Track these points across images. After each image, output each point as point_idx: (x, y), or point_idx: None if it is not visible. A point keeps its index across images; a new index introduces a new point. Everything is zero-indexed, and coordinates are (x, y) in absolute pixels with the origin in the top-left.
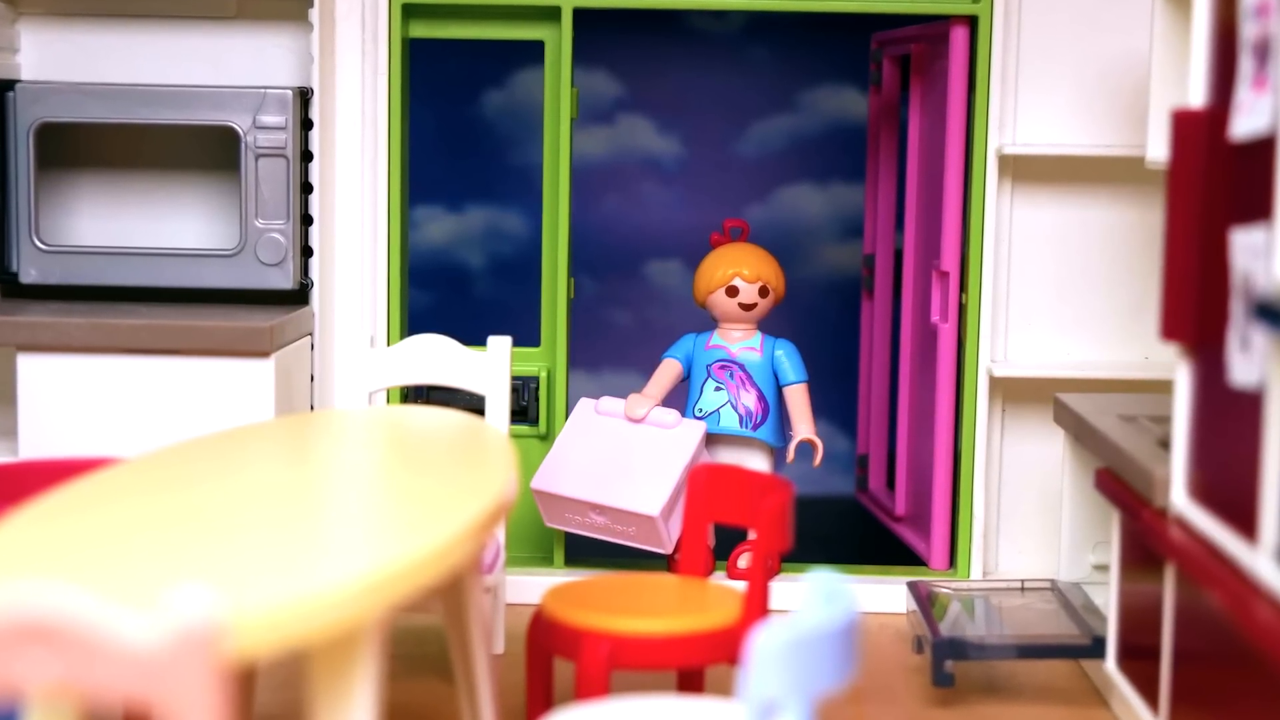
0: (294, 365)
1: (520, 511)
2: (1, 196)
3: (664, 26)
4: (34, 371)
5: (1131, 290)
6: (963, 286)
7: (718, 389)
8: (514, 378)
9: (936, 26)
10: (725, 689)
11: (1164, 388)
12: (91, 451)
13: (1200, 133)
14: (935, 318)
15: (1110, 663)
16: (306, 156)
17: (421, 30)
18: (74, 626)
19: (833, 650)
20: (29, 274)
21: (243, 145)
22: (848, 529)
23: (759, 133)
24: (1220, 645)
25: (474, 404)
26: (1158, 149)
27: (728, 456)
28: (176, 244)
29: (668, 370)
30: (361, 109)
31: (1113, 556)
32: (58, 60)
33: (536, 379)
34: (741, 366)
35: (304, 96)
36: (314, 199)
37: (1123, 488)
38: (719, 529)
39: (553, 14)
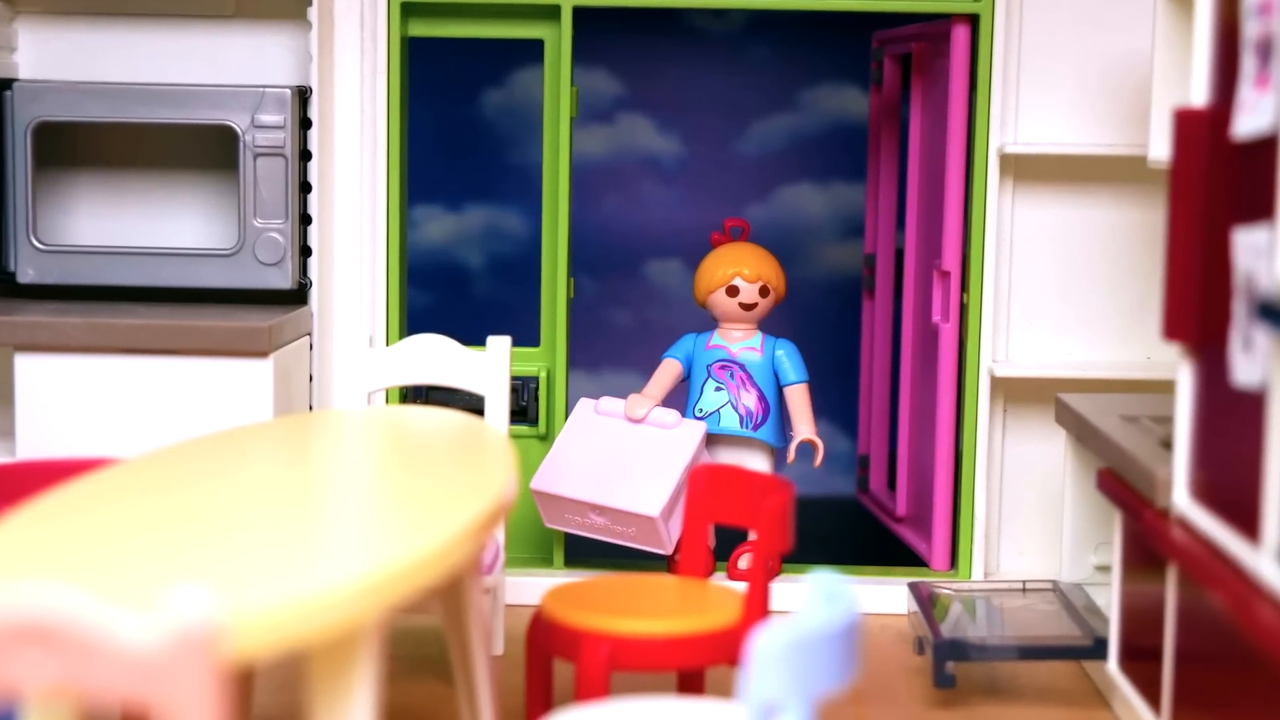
0: (293, 365)
1: (520, 512)
2: None
3: (664, 25)
4: (32, 371)
5: (1133, 290)
6: (964, 286)
7: (718, 389)
8: (513, 378)
9: (938, 25)
10: (725, 690)
11: (1166, 388)
12: (89, 452)
13: (1202, 132)
14: (936, 317)
15: (1112, 664)
16: (305, 156)
17: (421, 29)
18: (72, 627)
19: (833, 651)
20: (26, 273)
21: (241, 144)
22: (848, 530)
23: (759, 132)
24: (1222, 646)
25: (473, 404)
26: (1160, 148)
27: (728, 457)
28: (175, 243)
29: (668, 370)
30: (360, 108)
31: (1114, 557)
32: (55, 59)
33: (536, 379)
34: (742, 366)
35: (303, 95)
36: (313, 198)
37: (1124, 488)
38: (719, 530)
39: (552, 13)
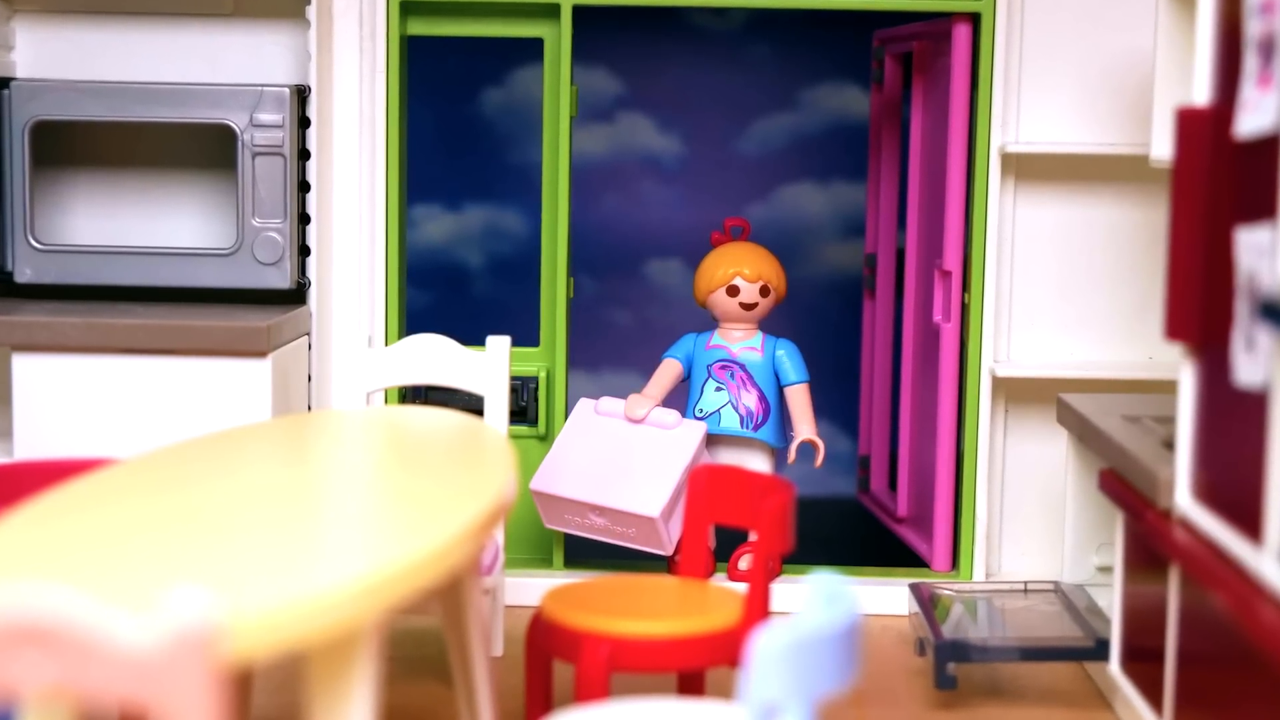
0: (291, 365)
1: (519, 512)
2: None
3: (664, 24)
4: (29, 371)
5: (1135, 290)
6: (965, 286)
7: (718, 389)
8: (513, 378)
9: (939, 24)
10: (726, 691)
11: (1168, 388)
12: (87, 452)
13: (1205, 131)
14: (937, 317)
15: (1114, 665)
16: (304, 155)
17: (420, 27)
18: (70, 628)
19: (834, 652)
20: (24, 273)
21: (239, 144)
22: (849, 530)
23: (760, 131)
24: (1225, 647)
25: (473, 404)
26: (1162, 147)
27: (728, 457)
28: (173, 243)
29: (668, 370)
30: (359, 107)
31: (1116, 558)
32: (53, 58)
33: (536, 379)
34: (742, 366)
35: (301, 94)
36: (311, 198)
37: (1126, 489)
38: (720, 530)
39: (552, 11)
